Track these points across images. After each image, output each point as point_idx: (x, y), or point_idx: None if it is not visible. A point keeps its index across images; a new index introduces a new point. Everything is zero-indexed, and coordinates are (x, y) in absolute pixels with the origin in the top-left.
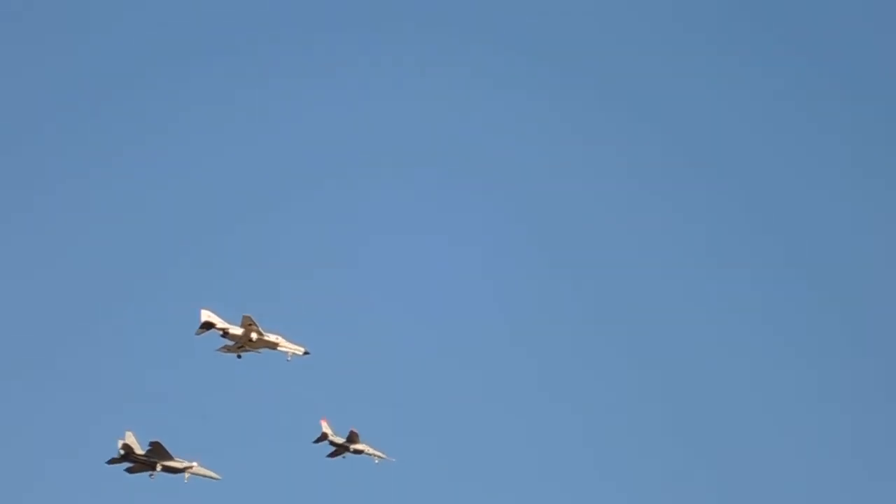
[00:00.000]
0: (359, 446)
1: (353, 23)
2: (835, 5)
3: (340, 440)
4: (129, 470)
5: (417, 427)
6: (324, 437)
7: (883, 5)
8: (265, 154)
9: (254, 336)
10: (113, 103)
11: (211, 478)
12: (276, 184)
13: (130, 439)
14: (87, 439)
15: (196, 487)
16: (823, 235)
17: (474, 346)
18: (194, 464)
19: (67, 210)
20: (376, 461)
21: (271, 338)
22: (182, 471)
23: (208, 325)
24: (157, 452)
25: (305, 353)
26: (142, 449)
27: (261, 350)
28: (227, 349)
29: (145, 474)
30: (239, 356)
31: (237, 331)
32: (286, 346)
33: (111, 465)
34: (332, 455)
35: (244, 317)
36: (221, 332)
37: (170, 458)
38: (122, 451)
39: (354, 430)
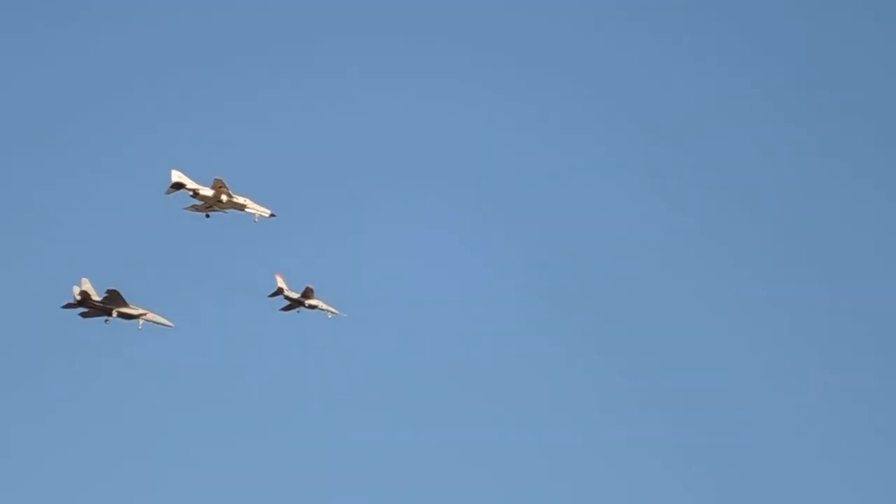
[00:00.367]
0: (313, 301)
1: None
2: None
3: (295, 295)
4: (83, 315)
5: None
6: (279, 291)
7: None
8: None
9: (224, 198)
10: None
11: (164, 325)
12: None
13: (87, 286)
14: (46, 285)
15: (149, 334)
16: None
17: None
18: (148, 312)
19: None
20: (329, 316)
21: (240, 200)
22: (136, 317)
23: (178, 186)
24: (114, 300)
25: (272, 215)
26: (98, 296)
27: (228, 211)
28: (196, 208)
29: (100, 319)
30: (207, 216)
31: (207, 192)
32: (253, 207)
33: (66, 310)
34: (285, 309)
35: (215, 179)
36: (192, 193)
37: (125, 305)
38: (78, 297)
39: (311, 286)
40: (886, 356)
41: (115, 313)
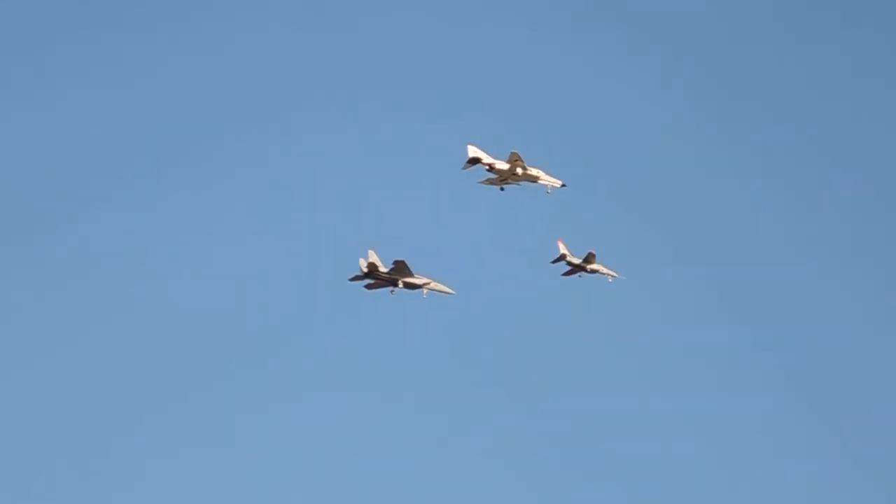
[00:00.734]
0: (594, 266)
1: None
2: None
3: (577, 260)
4: (368, 287)
5: None
6: (562, 257)
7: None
8: None
9: (519, 171)
10: None
11: (446, 293)
12: None
13: (374, 257)
14: (336, 258)
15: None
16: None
17: None
18: (431, 281)
19: None
20: (610, 280)
21: (533, 172)
22: (420, 287)
23: (475, 161)
24: (400, 270)
25: (563, 185)
26: (385, 267)
27: (521, 183)
28: (490, 182)
29: (385, 290)
30: (502, 188)
31: (503, 166)
32: (546, 179)
33: (352, 282)
34: (567, 273)
35: (511, 153)
36: (487, 167)
37: (411, 275)
38: (364, 270)
39: (593, 251)
40: None
41: (400, 283)
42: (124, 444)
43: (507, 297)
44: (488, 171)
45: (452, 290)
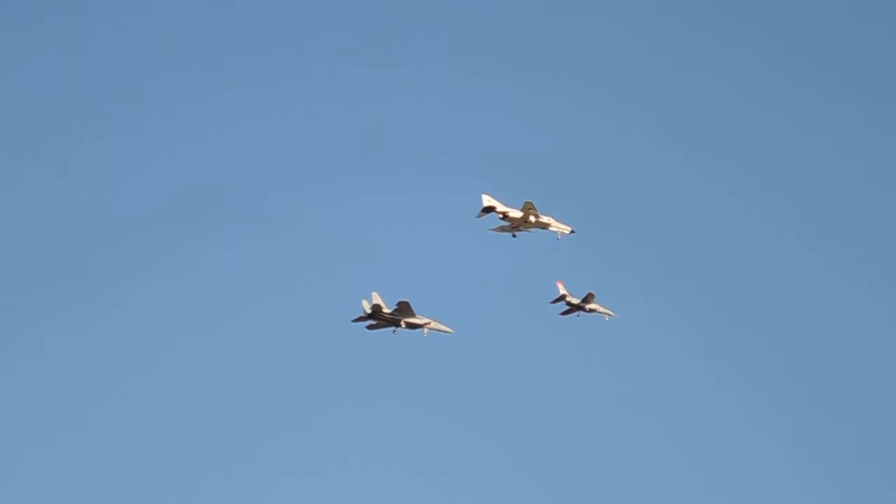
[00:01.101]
0: (592, 305)
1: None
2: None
3: (576, 300)
4: (370, 327)
5: None
6: (561, 297)
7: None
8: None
9: (531, 218)
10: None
11: (445, 332)
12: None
13: (378, 299)
14: (338, 298)
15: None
16: None
17: None
18: (431, 321)
19: None
20: (606, 318)
21: (544, 219)
22: (421, 326)
23: (489, 209)
24: (403, 311)
25: (572, 231)
26: (389, 308)
27: (532, 230)
28: (503, 229)
29: (387, 331)
30: (514, 235)
31: (516, 213)
32: (556, 226)
33: (355, 323)
34: (565, 313)
35: (526, 202)
36: (501, 215)
37: (413, 315)
38: (368, 311)
39: (592, 292)
40: None
41: (402, 323)
42: None
43: (502, 335)
44: (502, 219)
45: (451, 329)
